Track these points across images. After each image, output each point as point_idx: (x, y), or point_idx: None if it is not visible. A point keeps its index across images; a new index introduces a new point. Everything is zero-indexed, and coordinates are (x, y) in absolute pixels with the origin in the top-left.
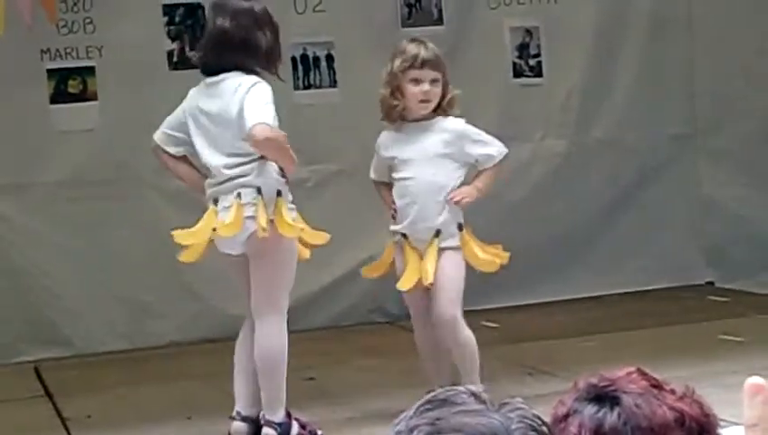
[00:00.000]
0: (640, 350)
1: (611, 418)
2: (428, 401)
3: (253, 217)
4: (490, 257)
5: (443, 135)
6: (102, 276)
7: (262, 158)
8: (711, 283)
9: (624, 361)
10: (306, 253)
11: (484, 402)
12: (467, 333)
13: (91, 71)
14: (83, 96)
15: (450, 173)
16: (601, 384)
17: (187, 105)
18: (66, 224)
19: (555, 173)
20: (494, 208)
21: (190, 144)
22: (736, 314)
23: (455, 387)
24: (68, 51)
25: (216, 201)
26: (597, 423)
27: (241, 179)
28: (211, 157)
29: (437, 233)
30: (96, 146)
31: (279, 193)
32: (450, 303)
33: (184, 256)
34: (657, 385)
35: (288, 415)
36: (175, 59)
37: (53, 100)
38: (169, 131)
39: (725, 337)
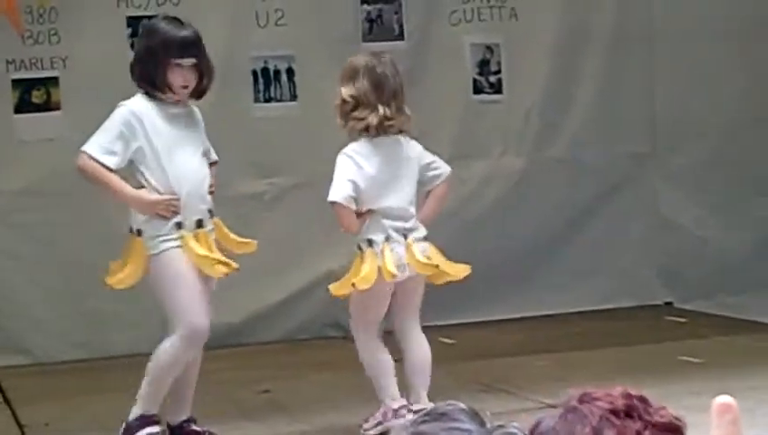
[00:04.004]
0: (598, 369)
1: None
2: (427, 414)
3: None
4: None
5: None
6: (62, 286)
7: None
8: (669, 303)
9: (580, 380)
10: (219, 270)
11: (479, 422)
12: (363, 354)
13: (54, 81)
14: (47, 106)
15: None
16: (583, 398)
17: None
18: (26, 233)
19: (514, 190)
20: (452, 225)
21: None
22: (695, 336)
23: (454, 402)
24: (33, 61)
25: None
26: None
27: None
28: None
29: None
30: (58, 156)
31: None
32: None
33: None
34: (636, 409)
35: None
36: None
37: (17, 109)
38: None
39: (684, 358)
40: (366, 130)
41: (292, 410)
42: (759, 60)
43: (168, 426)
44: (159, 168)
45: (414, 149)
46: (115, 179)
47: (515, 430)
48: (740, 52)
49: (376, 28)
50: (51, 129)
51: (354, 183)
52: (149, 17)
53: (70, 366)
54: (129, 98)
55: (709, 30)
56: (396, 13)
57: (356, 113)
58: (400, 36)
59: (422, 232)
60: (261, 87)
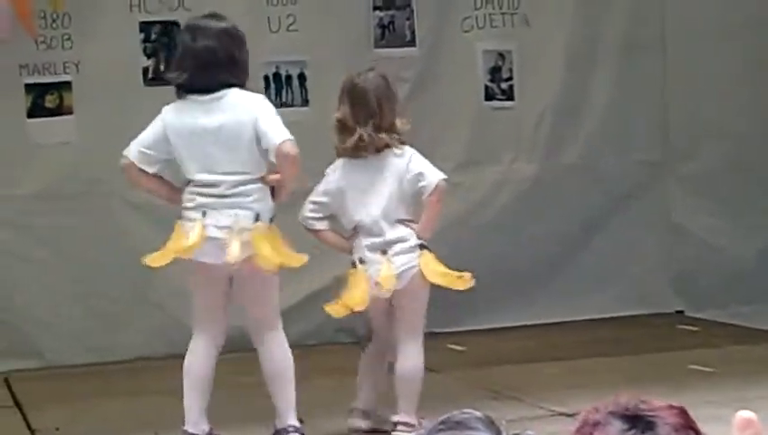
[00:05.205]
0: (608, 377)
1: None
2: (443, 422)
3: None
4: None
5: None
6: (73, 290)
7: (262, 179)
8: (680, 311)
9: (591, 388)
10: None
11: (495, 431)
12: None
13: (67, 85)
14: (59, 110)
15: None
16: (642, 406)
17: (169, 122)
18: (39, 236)
19: (525, 197)
20: (463, 231)
21: (167, 161)
22: (706, 345)
23: (470, 411)
24: (46, 66)
25: (204, 214)
26: None
27: (238, 199)
28: (204, 173)
29: None
30: (71, 160)
31: (271, 220)
32: None
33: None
34: (696, 430)
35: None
36: (150, 75)
37: (30, 114)
38: (145, 150)
39: (695, 367)
40: (344, 151)
41: (300, 415)
42: None
43: None
44: None
45: (398, 163)
46: None
47: None
48: (753, 58)
49: (388, 34)
50: (63, 133)
51: (317, 203)
52: (162, 22)
53: (81, 370)
54: (140, 103)
55: (721, 37)
56: (408, 19)
57: (341, 136)
58: (412, 42)
59: (409, 242)
60: (272, 92)
